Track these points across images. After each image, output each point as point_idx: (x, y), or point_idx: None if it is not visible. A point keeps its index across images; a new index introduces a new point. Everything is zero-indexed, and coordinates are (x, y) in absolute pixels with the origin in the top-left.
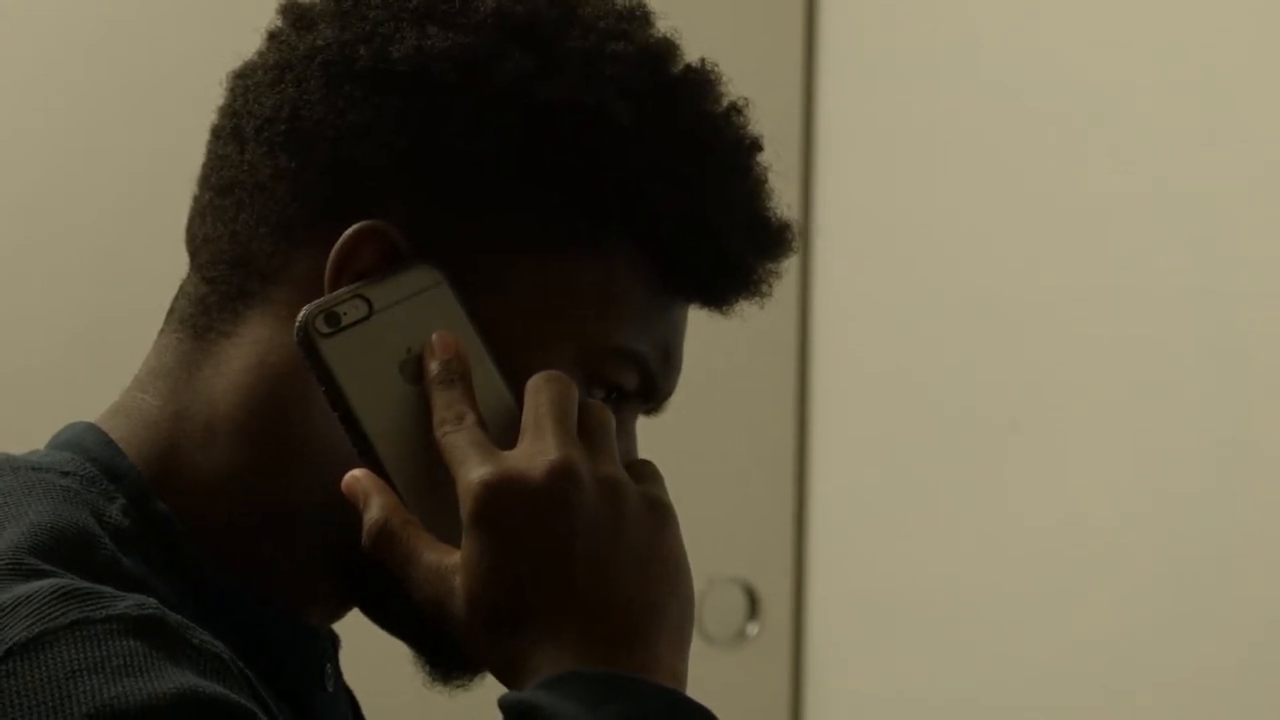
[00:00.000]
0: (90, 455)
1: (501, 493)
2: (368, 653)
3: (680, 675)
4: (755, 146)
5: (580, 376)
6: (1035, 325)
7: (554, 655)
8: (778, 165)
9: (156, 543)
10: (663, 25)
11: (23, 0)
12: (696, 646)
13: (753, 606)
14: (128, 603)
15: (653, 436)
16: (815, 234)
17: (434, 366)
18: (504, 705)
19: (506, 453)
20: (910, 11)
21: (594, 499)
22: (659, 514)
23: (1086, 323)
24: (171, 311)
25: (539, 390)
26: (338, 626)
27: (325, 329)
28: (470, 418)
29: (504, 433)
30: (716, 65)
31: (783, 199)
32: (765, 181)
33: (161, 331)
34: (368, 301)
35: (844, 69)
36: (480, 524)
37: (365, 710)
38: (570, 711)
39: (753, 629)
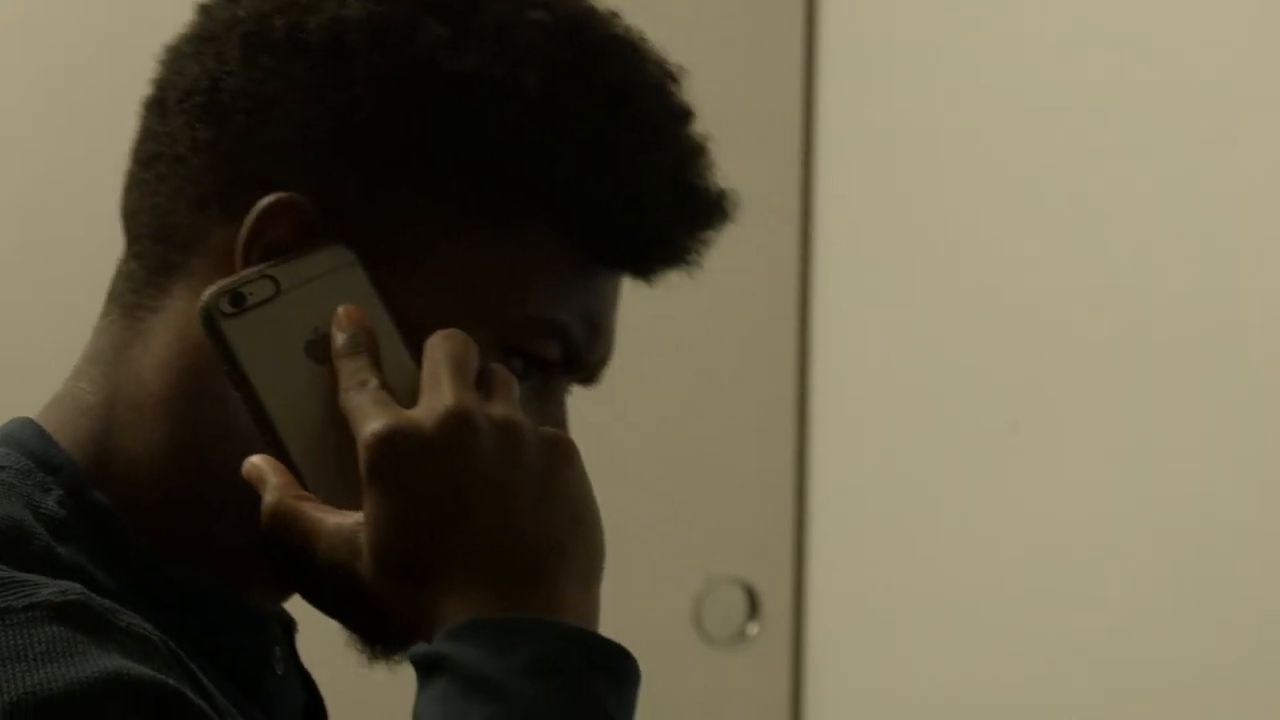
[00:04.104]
0: (25, 449)
1: (395, 443)
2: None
3: (589, 613)
4: (683, 115)
5: (498, 349)
6: (1035, 325)
7: (460, 603)
8: (778, 165)
9: (94, 532)
10: (639, 9)
11: (23, 1)
12: (697, 646)
13: (753, 606)
14: (51, 590)
15: (653, 436)
16: (815, 234)
17: (339, 339)
18: (413, 659)
19: (405, 410)
20: (910, 11)
21: (489, 441)
22: (560, 452)
23: (1086, 323)
24: (108, 295)
25: (435, 346)
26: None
27: (229, 309)
28: (373, 382)
29: (412, 406)
30: (644, 35)
31: (717, 168)
32: (696, 151)
33: (100, 316)
34: (275, 281)
35: (844, 69)
36: (378, 477)
37: (345, 695)
38: (476, 659)
39: (753, 629)
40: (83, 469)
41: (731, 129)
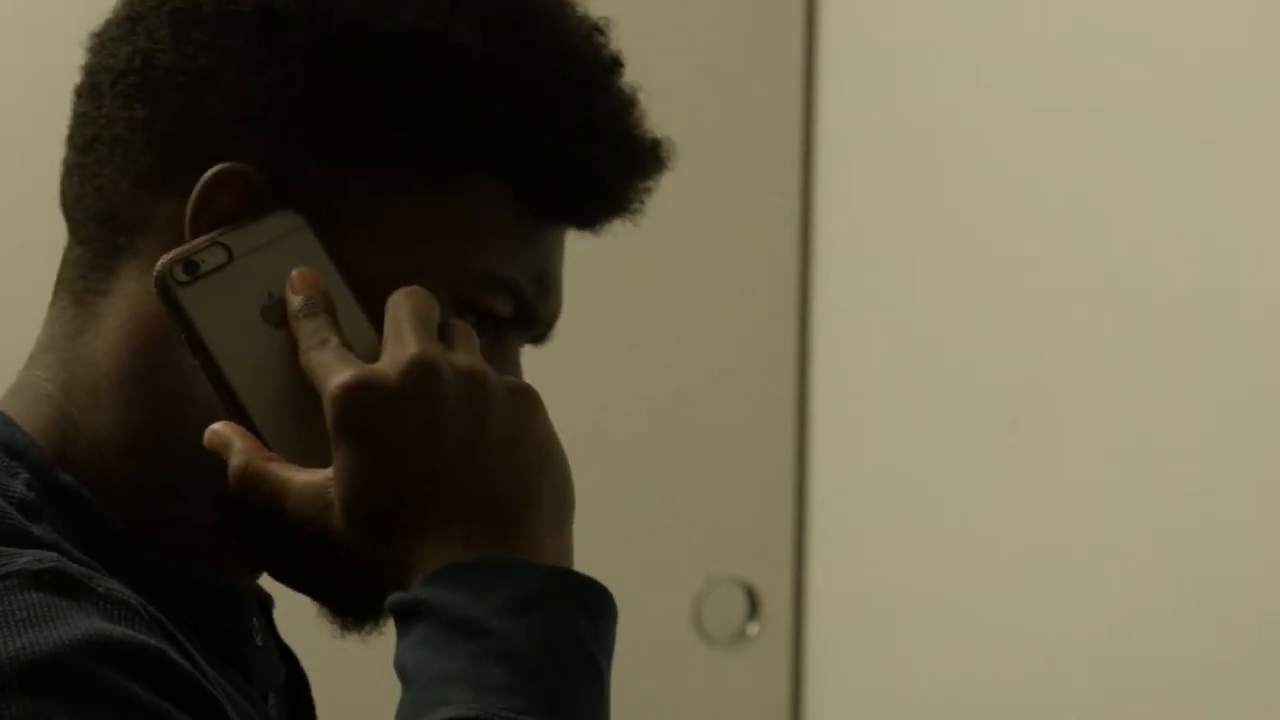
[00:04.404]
0: None
1: (362, 394)
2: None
3: (564, 553)
4: (615, 64)
5: (452, 306)
6: (1035, 325)
7: (435, 550)
8: (778, 165)
9: (64, 512)
10: (633, 9)
11: (23, 1)
12: (696, 646)
13: (753, 606)
14: (26, 558)
15: (653, 436)
16: (815, 234)
17: (296, 301)
18: (391, 608)
19: (369, 364)
20: (910, 11)
21: (456, 389)
22: (524, 398)
23: (1086, 323)
24: (56, 283)
25: (397, 304)
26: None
27: (183, 277)
28: (334, 340)
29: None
30: None
31: (651, 118)
32: (630, 100)
33: (50, 305)
34: (227, 248)
35: (844, 69)
36: (345, 429)
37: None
38: (456, 602)
39: (753, 629)
40: (47, 453)
41: (731, 129)
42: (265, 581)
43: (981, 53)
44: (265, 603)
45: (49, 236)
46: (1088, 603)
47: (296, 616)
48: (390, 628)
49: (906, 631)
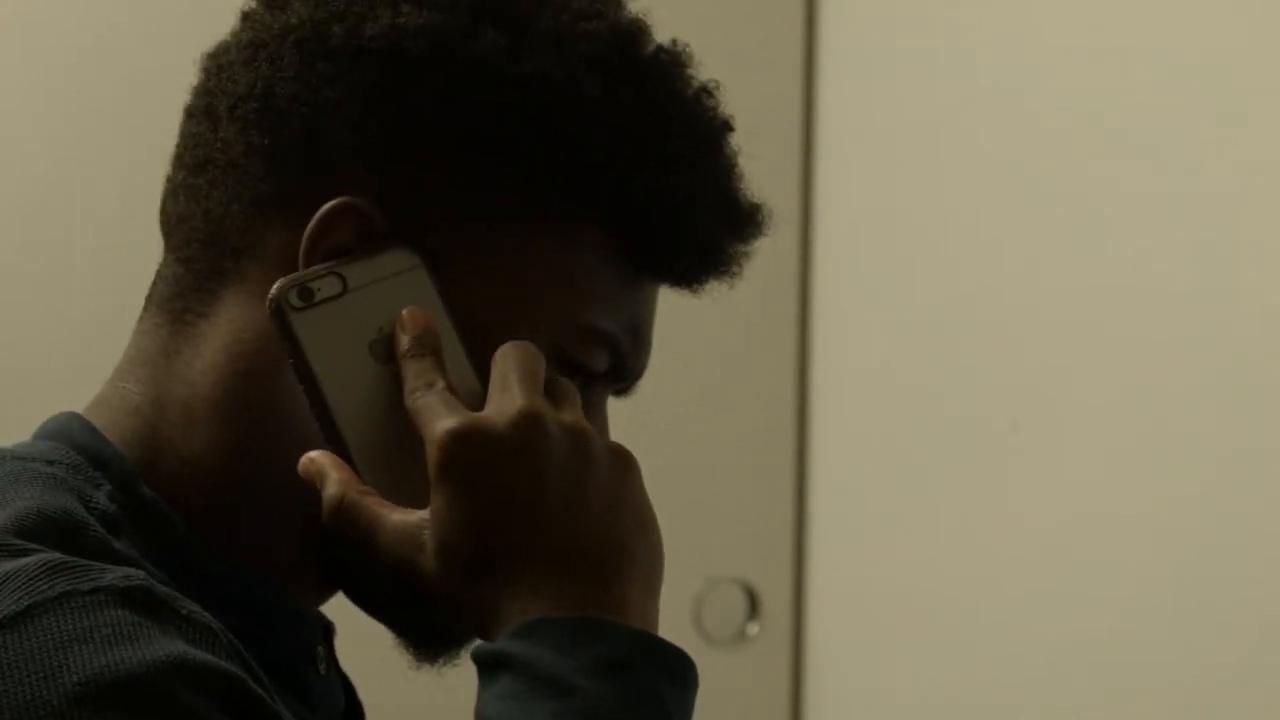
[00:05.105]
0: (75, 444)
1: (468, 442)
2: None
3: (651, 617)
4: (725, 128)
5: (552, 357)
6: (1035, 325)
7: (526, 602)
8: (778, 165)
9: (145, 527)
10: (634, 7)
11: (23, 1)
12: (696, 646)
13: (753, 606)
14: (115, 575)
15: (655, 437)
16: (815, 234)
17: (405, 340)
18: (477, 657)
19: (475, 412)
20: (910, 11)
21: (560, 445)
22: (624, 461)
23: (1086, 323)
24: (149, 298)
25: (506, 355)
26: (338, 615)
27: (298, 303)
28: (440, 384)
29: (473, 410)
30: (688, 47)
31: (752, 183)
32: (736, 163)
33: (140, 319)
34: (343, 279)
35: (844, 69)
36: (448, 474)
37: (379, 702)
38: (544, 658)
39: (753, 629)
40: (131, 465)
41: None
42: (326, 608)
43: (981, 53)
44: (328, 630)
45: (49, 236)
46: (1087, 603)
47: (355, 646)
48: (460, 662)
49: (906, 631)
